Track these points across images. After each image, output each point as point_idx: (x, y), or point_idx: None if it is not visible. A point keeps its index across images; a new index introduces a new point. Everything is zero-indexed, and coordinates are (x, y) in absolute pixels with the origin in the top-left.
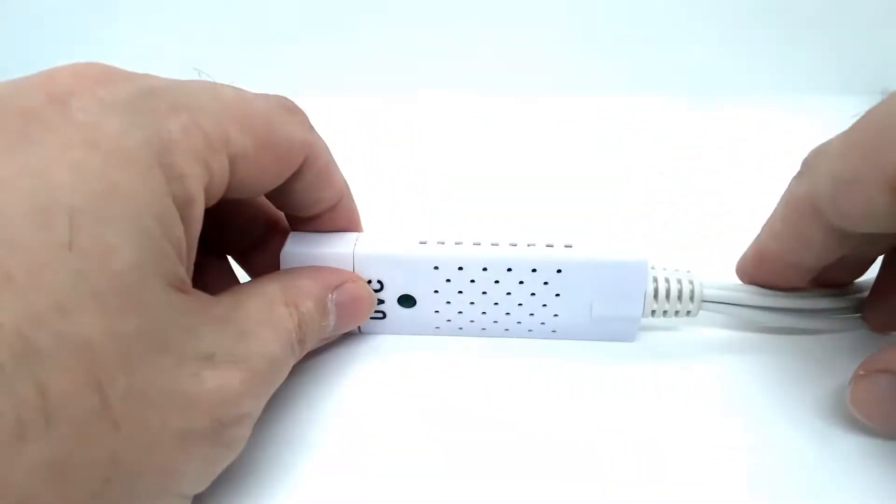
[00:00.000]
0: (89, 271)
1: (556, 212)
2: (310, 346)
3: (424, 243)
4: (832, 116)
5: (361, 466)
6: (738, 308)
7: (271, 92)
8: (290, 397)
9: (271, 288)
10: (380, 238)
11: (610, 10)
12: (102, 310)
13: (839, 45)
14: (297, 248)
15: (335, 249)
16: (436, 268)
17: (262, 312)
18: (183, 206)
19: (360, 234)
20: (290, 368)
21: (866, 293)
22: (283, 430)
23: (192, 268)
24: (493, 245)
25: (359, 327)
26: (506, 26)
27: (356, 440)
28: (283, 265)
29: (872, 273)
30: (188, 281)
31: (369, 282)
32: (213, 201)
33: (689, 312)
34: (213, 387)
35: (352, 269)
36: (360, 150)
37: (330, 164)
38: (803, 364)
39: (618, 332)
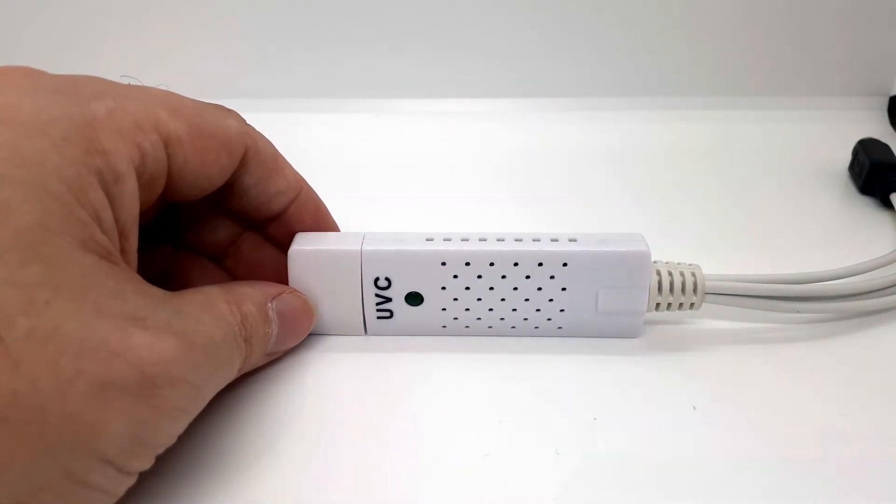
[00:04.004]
0: None
1: (560, 210)
2: (256, 352)
3: (431, 240)
4: (834, 117)
5: (365, 467)
6: (741, 298)
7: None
8: (292, 398)
9: (212, 290)
10: (387, 235)
11: (613, 11)
12: (1, 261)
13: (842, 46)
14: (305, 247)
15: (343, 247)
16: (443, 263)
17: (203, 304)
18: (109, 181)
19: (367, 232)
20: (237, 366)
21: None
22: (281, 430)
23: (132, 248)
24: (498, 240)
25: (365, 329)
26: (505, 27)
27: (358, 441)
28: (290, 264)
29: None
30: (116, 254)
31: (377, 279)
32: (158, 187)
33: (692, 305)
34: (143, 343)
35: (360, 267)
36: (361, 152)
37: (276, 156)
38: (808, 352)
39: (624, 327)
